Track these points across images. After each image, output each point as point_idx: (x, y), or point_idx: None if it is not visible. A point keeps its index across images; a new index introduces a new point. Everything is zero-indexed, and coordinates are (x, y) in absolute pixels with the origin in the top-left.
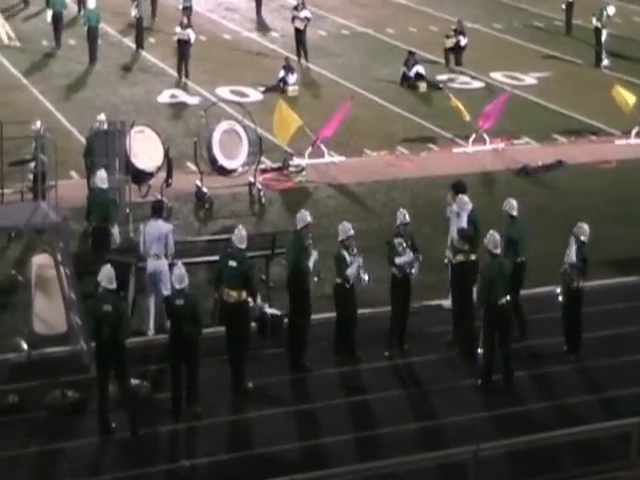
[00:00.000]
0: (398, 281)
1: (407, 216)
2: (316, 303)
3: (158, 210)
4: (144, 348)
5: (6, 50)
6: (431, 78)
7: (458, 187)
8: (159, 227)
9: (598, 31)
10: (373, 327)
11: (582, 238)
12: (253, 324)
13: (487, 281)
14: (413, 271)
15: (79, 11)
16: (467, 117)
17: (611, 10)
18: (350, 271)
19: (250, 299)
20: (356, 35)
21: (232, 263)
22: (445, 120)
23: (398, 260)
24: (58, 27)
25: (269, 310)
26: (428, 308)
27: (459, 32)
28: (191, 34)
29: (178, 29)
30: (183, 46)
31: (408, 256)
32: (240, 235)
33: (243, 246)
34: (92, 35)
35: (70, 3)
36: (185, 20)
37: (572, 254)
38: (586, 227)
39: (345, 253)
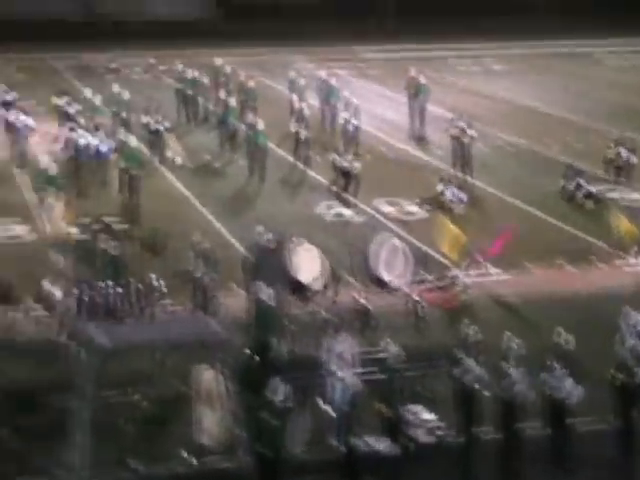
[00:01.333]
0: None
1: (570, 341)
2: None
3: None
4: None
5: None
6: (595, 191)
7: None
8: None
9: None
10: None
11: None
12: None
13: None
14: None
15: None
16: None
17: None
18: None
19: None
20: (515, 148)
21: None
22: (608, 233)
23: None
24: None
25: None
26: None
27: (620, 144)
28: (357, 166)
29: (340, 160)
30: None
31: (559, 380)
32: None
33: None
34: (260, 154)
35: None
36: (347, 149)
37: None
38: None
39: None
